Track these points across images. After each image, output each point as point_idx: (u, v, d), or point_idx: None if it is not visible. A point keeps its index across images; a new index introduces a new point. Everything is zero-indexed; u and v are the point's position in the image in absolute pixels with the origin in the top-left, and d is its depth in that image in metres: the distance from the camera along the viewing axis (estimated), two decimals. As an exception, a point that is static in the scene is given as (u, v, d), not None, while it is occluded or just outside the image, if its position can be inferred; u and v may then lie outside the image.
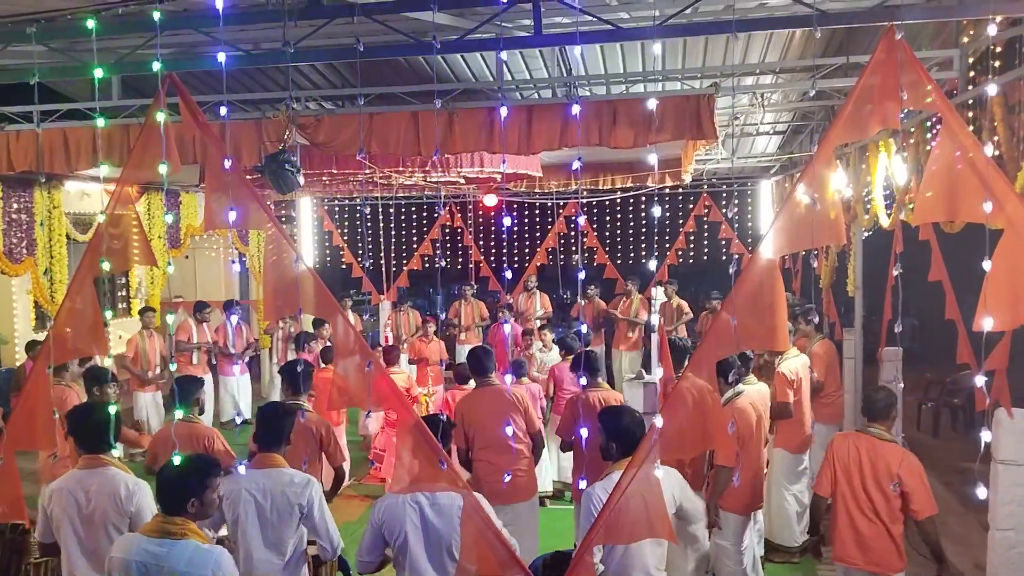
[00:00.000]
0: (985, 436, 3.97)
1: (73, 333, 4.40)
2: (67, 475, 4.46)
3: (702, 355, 3.70)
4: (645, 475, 3.60)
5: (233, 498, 4.32)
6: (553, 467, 8.49)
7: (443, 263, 12.72)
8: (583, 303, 12.70)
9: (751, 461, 5.59)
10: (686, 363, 4.46)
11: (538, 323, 12.00)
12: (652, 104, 6.46)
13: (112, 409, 4.52)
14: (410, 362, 11.33)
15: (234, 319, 10.85)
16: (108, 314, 10.33)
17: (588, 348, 12.10)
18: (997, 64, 5.64)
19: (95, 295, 4.51)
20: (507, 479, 5.72)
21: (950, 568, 5.06)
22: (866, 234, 8.42)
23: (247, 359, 11.40)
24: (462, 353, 12.76)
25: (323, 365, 9.11)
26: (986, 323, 3.38)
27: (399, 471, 4.10)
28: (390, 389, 4.08)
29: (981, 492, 4.17)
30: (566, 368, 8.11)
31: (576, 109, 6.45)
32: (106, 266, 4.27)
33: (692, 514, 4.33)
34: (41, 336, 10.11)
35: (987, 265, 3.41)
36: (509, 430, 5.79)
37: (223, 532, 4.44)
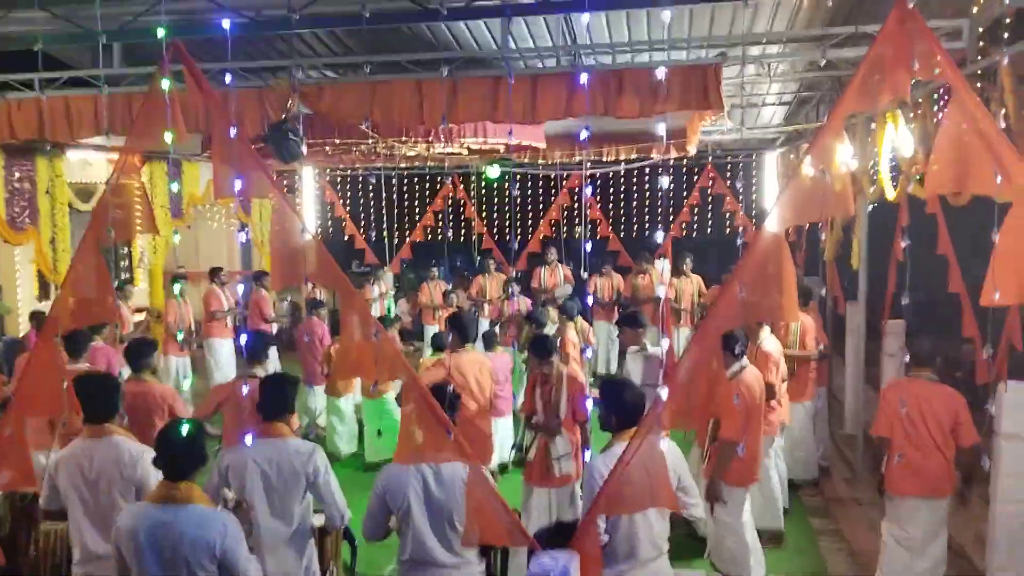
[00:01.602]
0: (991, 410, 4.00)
1: (81, 301, 4.40)
2: (72, 444, 4.51)
3: (708, 327, 3.70)
4: (649, 445, 3.61)
5: (239, 469, 4.34)
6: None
7: (449, 235, 12.68)
8: (599, 278, 12.58)
9: (753, 434, 5.63)
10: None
11: (558, 298, 11.90)
12: (661, 74, 6.40)
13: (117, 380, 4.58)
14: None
15: (263, 290, 11.17)
16: (129, 285, 10.48)
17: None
18: (1007, 35, 5.57)
19: (103, 263, 4.51)
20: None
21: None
22: (871, 207, 8.39)
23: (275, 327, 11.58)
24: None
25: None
26: (993, 296, 3.37)
27: (405, 441, 4.13)
28: (397, 358, 4.09)
29: (985, 463, 4.24)
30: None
31: (584, 78, 6.40)
32: (111, 235, 4.27)
33: (690, 490, 4.35)
34: (44, 306, 10.15)
35: (995, 237, 3.39)
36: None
37: (229, 495, 4.47)
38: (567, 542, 3.78)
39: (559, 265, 12.89)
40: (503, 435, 8.50)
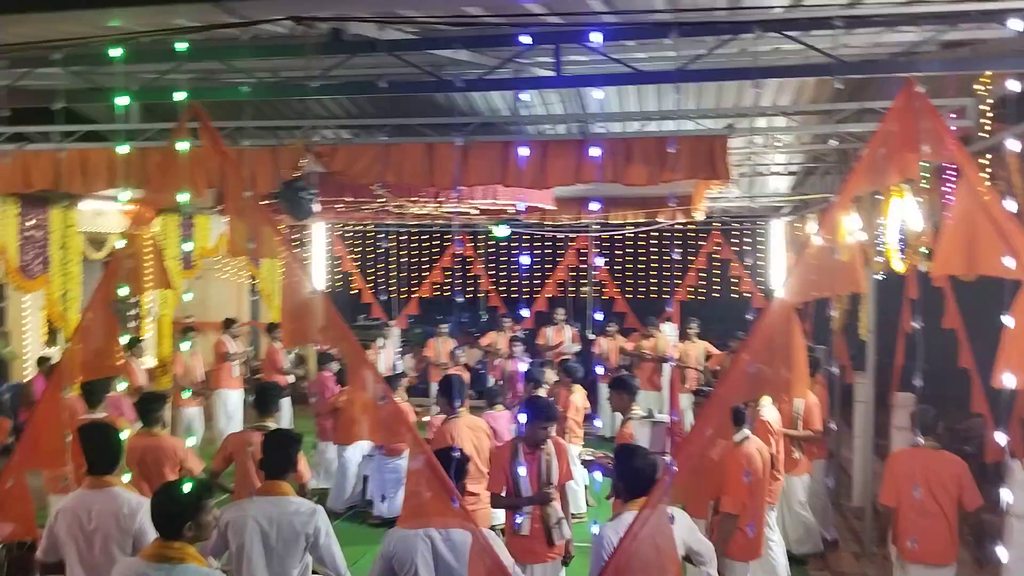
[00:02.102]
0: (1005, 495, 3.97)
1: (90, 354, 4.42)
2: (73, 495, 4.50)
3: (717, 401, 3.68)
4: (657, 518, 3.57)
5: (238, 526, 4.30)
6: None
7: (461, 299, 12.75)
8: (605, 339, 12.52)
9: (757, 507, 5.56)
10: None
11: (566, 353, 11.86)
12: (672, 148, 6.50)
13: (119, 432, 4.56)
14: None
15: (277, 342, 11.30)
16: (141, 343, 10.48)
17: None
18: (1012, 113, 5.64)
19: (113, 317, 4.54)
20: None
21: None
22: (877, 277, 8.40)
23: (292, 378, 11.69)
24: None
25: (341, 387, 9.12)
26: (1007, 380, 3.36)
27: (410, 505, 4.09)
28: (403, 423, 4.08)
29: (1002, 554, 4.19)
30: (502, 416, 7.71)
31: (596, 151, 6.49)
32: (123, 291, 4.31)
33: (704, 555, 4.28)
34: (52, 351, 10.17)
35: (1008, 320, 3.39)
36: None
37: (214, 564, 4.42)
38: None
39: (566, 325, 12.88)
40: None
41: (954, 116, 6.15)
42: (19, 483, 4.38)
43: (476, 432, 6.55)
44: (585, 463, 7.08)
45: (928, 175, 6.68)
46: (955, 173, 5.17)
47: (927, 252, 6.57)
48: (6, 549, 5.40)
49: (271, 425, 6.03)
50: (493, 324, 14.60)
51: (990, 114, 5.94)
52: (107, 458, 4.46)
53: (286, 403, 11.53)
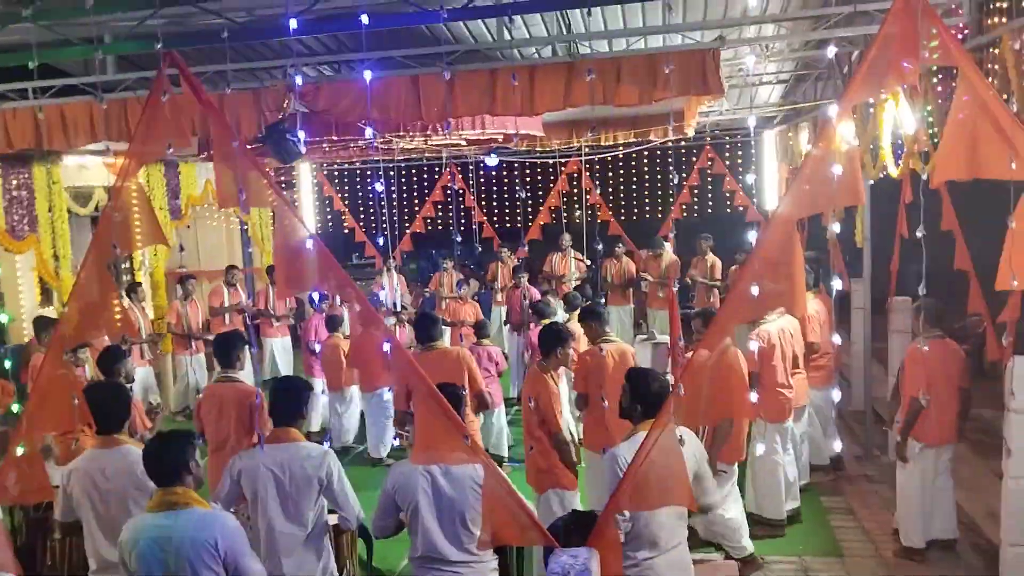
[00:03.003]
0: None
1: (88, 315, 4.39)
2: (84, 455, 4.54)
3: (720, 323, 3.67)
4: (668, 438, 3.60)
5: (251, 474, 4.36)
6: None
7: (458, 237, 12.67)
8: (611, 262, 12.51)
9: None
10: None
11: (574, 283, 11.85)
12: (669, 68, 6.34)
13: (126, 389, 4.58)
14: (444, 323, 11.35)
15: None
16: (140, 287, 10.51)
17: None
18: (1005, 5, 5.52)
19: (108, 276, 4.50)
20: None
21: None
22: (871, 183, 8.34)
23: (289, 323, 11.78)
24: (503, 314, 12.86)
25: (330, 333, 9.15)
26: (1010, 281, 3.34)
27: (419, 443, 4.13)
28: (407, 363, 4.09)
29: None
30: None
31: (590, 77, 6.35)
32: (116, 249, 4.26)
33: (705, 479, 4.34)
34: (47, 311, 10.13)
35: (1012, 223, 3.36)
36: None
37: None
38: (587, 533, 3.77)
39: (572, 252, 12.84)
40: (498, 427, 8.52)
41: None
42: (30, 447, 4.40)
43: (451, 364, 6.64)
44: None
45: (923, 76, 6.57)
46: (952, 74, 5.07)
47: (924, 156, 6.51)
48: (23, 512, 5.50)
49: (235, 376, 5.87)
50: (489, 256, 14.57)
51: (986, 10, 5.80)
52: (116, 415, 4.50)
53: (287, 347, 11.62)
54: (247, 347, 6.03)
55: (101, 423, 4.46)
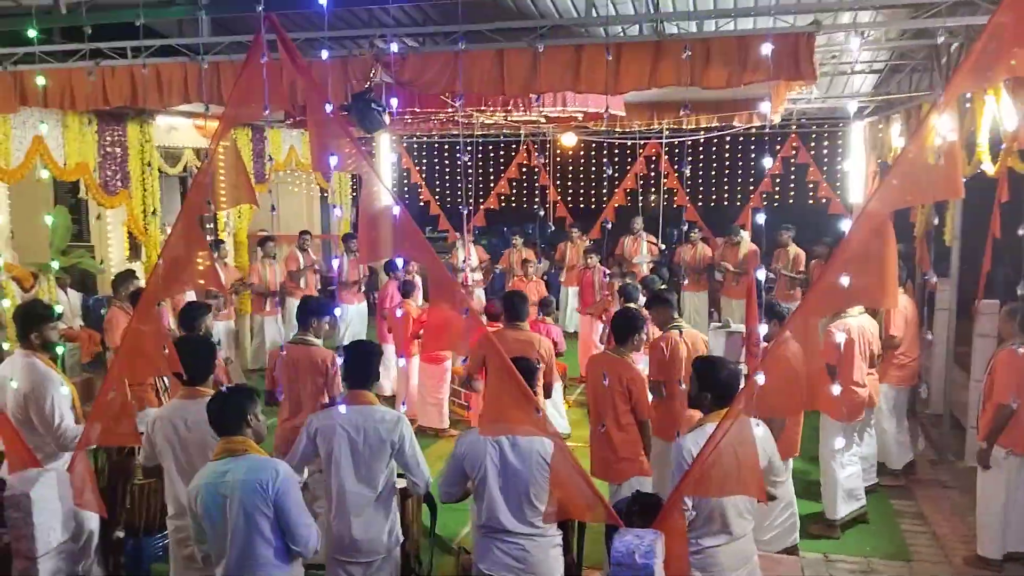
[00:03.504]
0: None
1: (183, 269, 4.56)
2: (169, 404, 4.75)
3: (804, 313, 3.59)
4: (741, 429, 3.56)
5: (327, 433, 4.48)
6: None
7: (541, 212, 12.67)
8: (686, 248, 12.38)
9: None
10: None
11: (645, 268, 11.75)
12: (767, 49, 6.16)
13: (213, 345, 4.75)
14: None
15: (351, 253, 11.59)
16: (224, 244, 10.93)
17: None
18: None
19: (200, 233, 4.65)
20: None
21: None
22: (964, 180, 8.01)
23: (361, 289, 11.92)
24: (571, 294, 12.81)
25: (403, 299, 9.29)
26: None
27: (489, 413, 4.18)
28: (486, 335, 4.13)
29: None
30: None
31: (686, 54, 6.23)
32: (210, 205, 4.39)
33: (777, 469, 4.30)
34: (135, 265, 10.53)
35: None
36: None
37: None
38: (650, 516, 3.78)
39: (644, 235, 12.72)
40: (554, 404, 8.54)
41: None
42: (120, 393, 4.61)
43: (530, 345, 6.68)
44: None
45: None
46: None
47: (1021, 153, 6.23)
48: (107, 454, 5.75)
49: (311, 339, 6.04)
50: (561, 236, 14.54)
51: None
52: (202, 369, 4.69)
53: (361, 313, 11.83)
54: (328, 319, 6.22)
55: (188, 375, 4.65)
